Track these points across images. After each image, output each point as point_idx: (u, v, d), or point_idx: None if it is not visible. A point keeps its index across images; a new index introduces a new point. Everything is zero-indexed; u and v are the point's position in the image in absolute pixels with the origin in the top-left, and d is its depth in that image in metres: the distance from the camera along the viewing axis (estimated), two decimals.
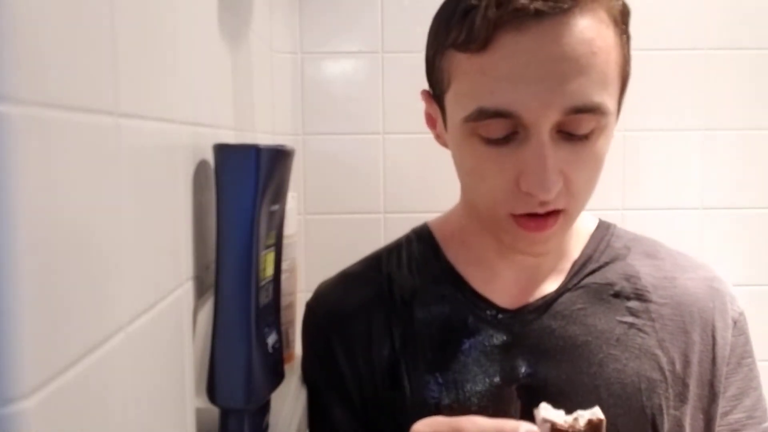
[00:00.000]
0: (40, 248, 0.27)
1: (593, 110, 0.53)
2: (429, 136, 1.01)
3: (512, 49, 0.52)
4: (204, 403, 0.51)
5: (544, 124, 0.53)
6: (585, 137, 0.55)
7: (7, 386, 0.25)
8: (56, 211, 0.28)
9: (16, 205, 0.25)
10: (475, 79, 0.54)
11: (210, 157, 0.51)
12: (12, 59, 0.25)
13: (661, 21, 1.03)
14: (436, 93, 0.62)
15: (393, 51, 1.03)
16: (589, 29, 0.52)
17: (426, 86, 0.66)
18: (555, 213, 0.57)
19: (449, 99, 0.59)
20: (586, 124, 0.54)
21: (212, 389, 0.50)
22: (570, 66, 0.52)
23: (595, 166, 0.57)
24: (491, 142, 0.55)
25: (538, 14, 0.51)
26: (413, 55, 1.02)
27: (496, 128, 0.54)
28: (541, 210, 0.56)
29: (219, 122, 0.60)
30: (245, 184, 0.48)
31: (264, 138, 0.86)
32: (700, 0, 1.04)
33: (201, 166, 0.52)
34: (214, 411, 0.51)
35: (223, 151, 0.49)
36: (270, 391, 0.53)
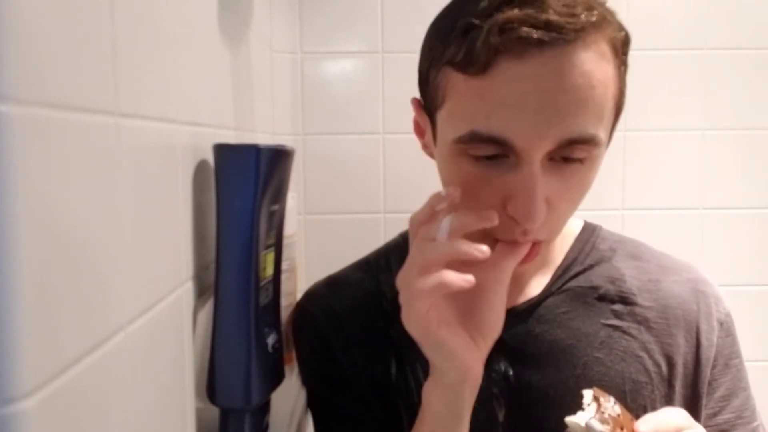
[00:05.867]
0: (40, 248, 0.27)
1: (587, 142, 0.53)
2: None
3: (511, 77, 0.51)
4: (204, 403, 0.51)
5: (537, 153, 0.52)
6: (574, 167, 0.55)
7: (7, 386, 0.25)
8: (56, 211, 0.28)
9: (16, 204, 0.25)
10: (471, 102, 0.53)
11: (210, 157, 0.50)
12: (12, 59, 0.25)
13: (661, 21, 1.03)
14: (427, 106, 0.61)
15: (393, 51, 1.03)
16: (590, 62, 0.51)
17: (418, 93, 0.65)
18: (535, 244, 0.56)
19: (441, 116, 0.58)
20: (577, 153, 0.54)
21: (212, 389, 0.50)
22: (568, 99, 0.51)
23: (579, 195, 0.57)
24: (480, 162, 0.55)
25: (541, 44, 0.50)
26: (413, 55, 1.01)
27: (487, 151, 0.54)
28: (521, 239, 0.55)
29: (219, 122, 0.60)
30: (245, 184, 0.48)
31: (264, 138, 0.86)
32: (701, 0, 1.04)
33: (201, 166, 0.52)
34: (214, 411, 0.51)
35: (223, 151, 0.49)
36: (270, 391, 0.53)
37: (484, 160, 0.54)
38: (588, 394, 0.52)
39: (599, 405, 0.51)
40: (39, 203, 0.27)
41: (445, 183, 0.62)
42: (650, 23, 1.02)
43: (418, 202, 1.01)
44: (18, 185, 0.25)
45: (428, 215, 0.53)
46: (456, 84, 0.54)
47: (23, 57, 0.26)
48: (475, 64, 0.52)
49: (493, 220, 0.52)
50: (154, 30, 0.42)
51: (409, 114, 0.96)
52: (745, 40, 1.04)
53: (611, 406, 0.52)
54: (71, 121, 0.30)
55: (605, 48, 0.53)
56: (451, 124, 0.56)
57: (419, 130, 0.66)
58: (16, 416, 0.25)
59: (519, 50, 0.50)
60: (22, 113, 0.25)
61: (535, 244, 0.57)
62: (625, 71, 0.57)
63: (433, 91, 0.58)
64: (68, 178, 0.30)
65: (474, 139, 0.53)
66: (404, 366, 0.65)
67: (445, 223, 0.52)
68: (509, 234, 0.55)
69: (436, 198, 0.53)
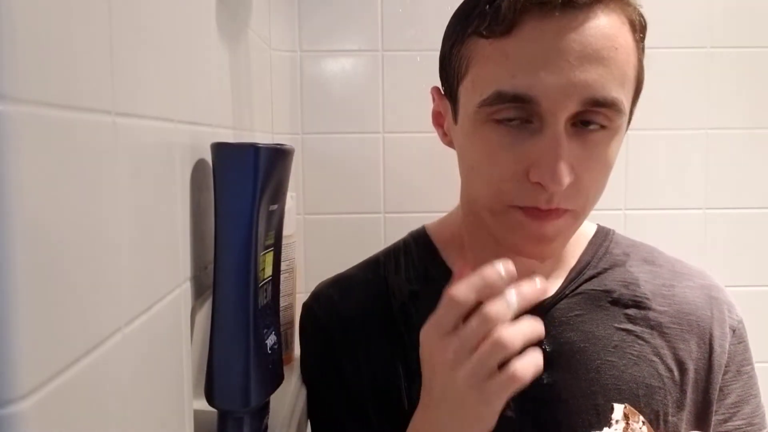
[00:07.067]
0: (37, 248, 0.27)
1: (610, 105, 0.53)
2: (429, 135, 1.00)
3: (536, 35, 0.52)
4: (202, 405, 0.50)
5: (561, 114, 0.53)
6: (598, 135, 0.55)
7: (4, 388, 0.25)
8: (53, 210, 0.28)
9: (13, 204, 0.25)
10: (497, 62, 0.54)
11: (208, 156, 0.50)
12: (9, 58, 0.25)
13: (664, 19, 1.02)
14: (449, 85, 0.62)
15: (393, 49, 1.02)
16: (612, 26, 0.53)
17: (426, 87, 0.65)
18: (561, 210, 0.56)
19: (465, 86, 0.58)
20: (600, 119, 0.54)
21: (210, 391, 0.49)
22: (592, 57, 0.52)
23: (604, 168, 0.57)
24: (503, 128, 0.55)
25: (565, 4, 0.52)
26: (413, 54, 1.02)
27: (510, 113, 0.54)
28: (545, 206, 0.55)
29: (217, 121, 0.60)
30: (244, 184, 0.48)
31: (263, 137, 0.85)
32: None
33: (199, 165, 0.51)
34: (213, 413, 0.51)
35: (221, 150, 0.49)
36: (269, 392, 0.53)
37: (507, 126, 0.55)
38: (619, 410, 0.52)
39: (627, 424, 0.51)
40: (36, 202, 0.26)
41: (467, 159, 0.61)
42: (654, 21, 1.01)
43: (418, 202, 1.01)
44: (14, 184, 0.25)
45: (483, 292, 0.49)
46: (481, 49, 0.56)
47: (20, 56, 0.25)
48: (501, 25, 0.53)
49: (548, 292, 0.50)
50: (152, 28, 0.42)
51: (409, 112, 0.96)
52: (750, 38, 1.03)
53: (639, 427, 0.51)
54: (68, 119, 0.30)
55: (624, 19, 0.55)
56: (475, 89, 0.56)
57: (438, 120, 0.67)
58: (13, 418, 0.25)
59: (543, 10, 0.52)
60: (19, 112, 0.25)
61: (558, 210, 0.56)
62: (642, 52, 0.58)
63: (456, 65, 0.59)
64: (65, 178, 0.29)
65: (499, 99, 0.54)
66: (412, 369, 0.64)
67: (513, 301, 0.49)
68: (533, 201, 0.55)
69: (494, 274, 0.49)
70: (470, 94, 0.57)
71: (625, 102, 0.55)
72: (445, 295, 0.50)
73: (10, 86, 0.25)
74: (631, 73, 0.56)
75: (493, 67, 0.55)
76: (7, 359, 0.25)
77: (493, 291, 0.49)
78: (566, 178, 0.53)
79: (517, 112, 0.54)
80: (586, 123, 0.55)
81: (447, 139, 0.66)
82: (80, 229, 0.31)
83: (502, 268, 0.49)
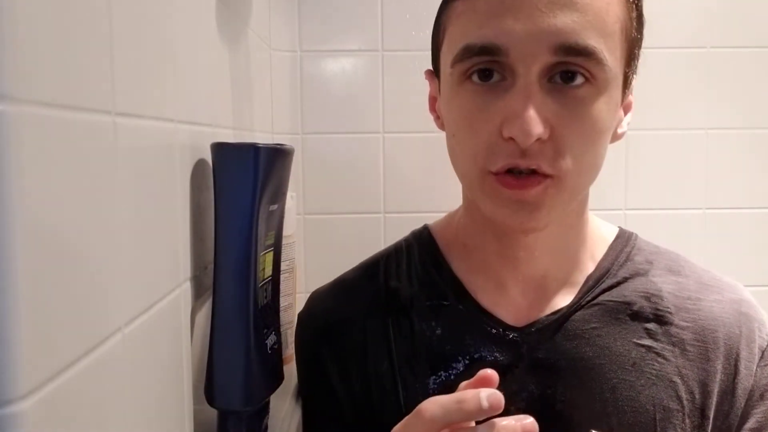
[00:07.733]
0: (37, 249, 0.27)
1: (587, 54, 0.50)
2: (429, 135, 1.00)
3: None
4: (202, 404, 0.50)
5: (533, 64, 0.50)
6: (580, 91, 0.52)
7: (3, 388, 0.25)
8: (52, 211, 0.28)
9: (12, 204, 0.25)
10: (466, 18, 0.54)
11: (208, 156, 0.50)
12: (8, 57, 0.25)
13: (664, 18, 1.02)
14: (434, 60, 0.62)
15: (393, 49, 1.02)
16: None
17: (426, 88, 0.65)
18: (540, 176, 0.53)
19: (443, 52, 0.58)
20: (580, 71, 0.51)
21: (210, 391, 0.49)
22: (563, 2, 0.50)
23: (590, 130, 0.53)
24: (478, 89, 0.53)
25: None
26: (413, 54, 1.02)
27: (482, 67, 0.53)
28: (522, 163, 0.52)
29: (217, 121, 0.59)
30: (244, 184, 0.48)
31: (263, 137, 0.85)
32: None
33: (199, 165, 0.51)
34: (213, 413, 0.51)
35: (221, 150, 0.49)
36: (269, 392, 0.53)
37: (481, 86, 0.53)
38: None
39: None
40: (35, 203, 0.26)
41: (449, 131, 0.60)
42: (653, 21, 1.01)
43: (418, 202, 1.01)
44: (14, 184, 0.25)
45: (454, 417, 0.44)
46: (454, 9, 0.56)
47: (20, 56, 0.25)
48: None
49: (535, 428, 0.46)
50: (152, 27, 0.42)
51: (409, 112, 0.96)
52: (750, 38, 1.03)
53: None
54: (68, 120, 0.30)
55: None
56: (449, 50, 0.56)
57: (433, 105, 0.66)
58: (13, 417, 0.25)
59: None
60: (19, 112, 0.25)
61: (538, 175, 0.52)
62: (636, 10, 0.56)
63: (437, 33, 0.59)
64: (65, 178, 0.29)
65: (467, 52, 0.53)
66: (405, 385, 0.62)
67: None
68: (507, 159, 0.52)
69: (474, 404, 0.44)
70: (446, 57, 0.56)
71: (609, 55, 0.52)
72: (417, 407, 0.46)
73: (10, 86, 0.25)
74: (615, 26, 0.53)
75: (463, 23, 0.54)
76: (7, 359, 0.25)
77: (466, 418, 0.44)
78: (536, 128, 0.50)
79: (487, 65, 0.52)
80: (566, 79, 0.52)
81: (439, 122, 0.64)
82: (80, 229, 0.31)
83: (486, 399, 0.44)
